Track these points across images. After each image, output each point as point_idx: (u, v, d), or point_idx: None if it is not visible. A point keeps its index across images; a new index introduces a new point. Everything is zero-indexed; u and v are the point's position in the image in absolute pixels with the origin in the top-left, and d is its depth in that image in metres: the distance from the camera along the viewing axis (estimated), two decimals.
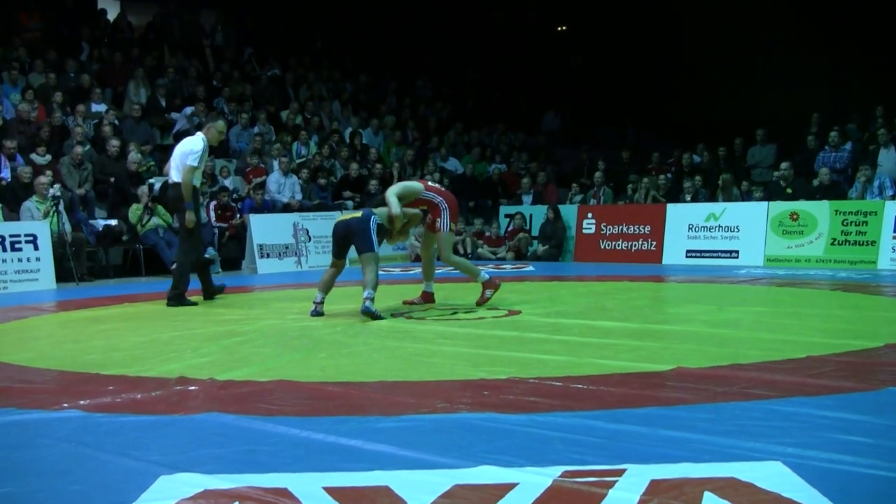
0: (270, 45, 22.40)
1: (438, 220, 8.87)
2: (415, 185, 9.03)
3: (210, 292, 10.50)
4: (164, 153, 17.12)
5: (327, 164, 17.92)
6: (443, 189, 9.25)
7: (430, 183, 9.22)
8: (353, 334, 7.18)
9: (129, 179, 14.61)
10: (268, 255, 14.65)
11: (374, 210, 8.61)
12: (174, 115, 17.80)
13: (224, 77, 20.10)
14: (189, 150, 9.86)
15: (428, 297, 9.28)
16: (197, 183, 10.03)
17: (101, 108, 16.81)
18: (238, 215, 15.48)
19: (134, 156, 14.83)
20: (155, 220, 14.14)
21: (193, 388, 5.10)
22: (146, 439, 4.02)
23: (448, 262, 9.04)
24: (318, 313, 8.49)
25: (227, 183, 16.17)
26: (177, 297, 10.00)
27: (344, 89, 22.03)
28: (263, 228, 14.81)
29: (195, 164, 9.82)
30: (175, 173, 9.99)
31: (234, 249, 15.44)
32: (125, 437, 4.06)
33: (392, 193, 8.68)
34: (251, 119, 18.40)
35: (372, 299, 8.13)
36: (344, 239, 8.50)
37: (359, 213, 8.54)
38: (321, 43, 23.94)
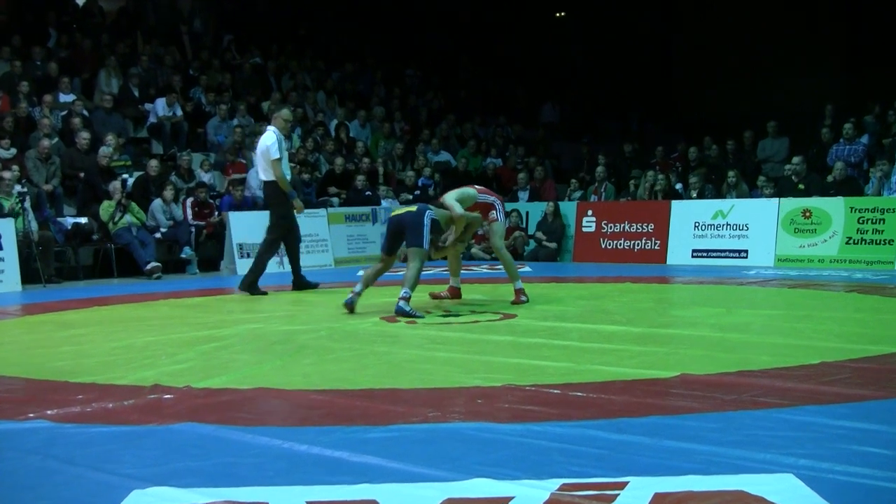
0: (251, 32, 22.37)
1: (493, 212, 9.38)
2: (469, 190, 9.42)
3: (300, 285, 11.38)
4: (136, 146, 17.14)
5: (311, 158, 17.91)
6: (491, 190, 9.78)
7: (477, 186, 9.64)
8: (339, 339, 7.18)
9: (100, 174, 14.57)
10: (248, 255, 14.58)
11: (431, 207, 8.96)
12: (148, 106, 17.77)
13: (202, 65, 20.08)
14: (265, 147, 11.00)
15: (455, 293, 9.78)
16: (287, 173, 11.14)
17: (70, 98, 16.77)
18: (216, 213, 15.45)
19: (105, 149, 14.79)
20: (128, 218, 14.10)
21: (169, 396, 5.09)
22: (119, 451, 4.01)
23: (499, 251, 9.48)
24: (351, 303, 8.70)
25: (206, 178, 16.16)
26: (251, 285, 11.08)
27: (329, 79, 22.02)
28: (243, 227, 14.78)
29: (277, 155, 10.89)
30: (262, 172, 11.21)
31: (213, 249, 15.41)
32: (96, 450, 4.05)
33: (452, 198, 9.08)
34: (231, 110, 18.38)
35: (408, 299, 8.39)
36: (397, 234, 8.84)
37: (413, 208, 8.91)
38: (305, 29, 23.92)
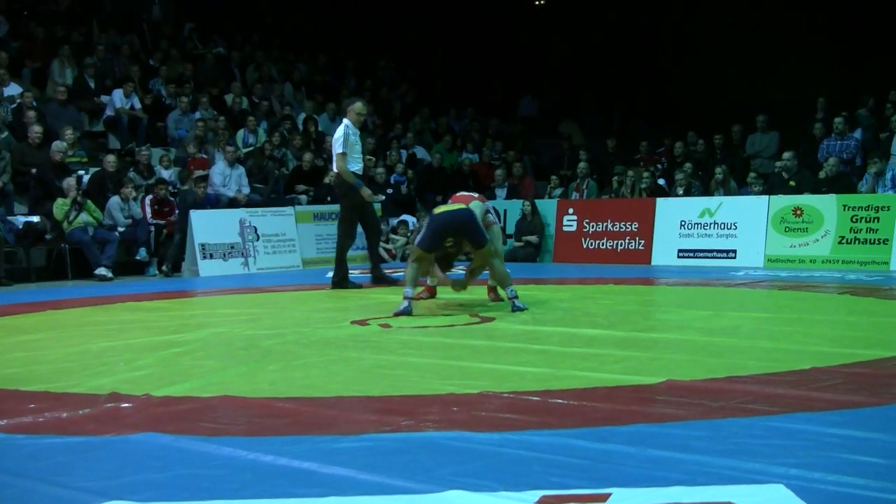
0: (214, 20, 22.29)
1: (489, 215, 9.42)
2: (480, 205, 9.33)
3: (379, 279, 12.02)
4: (92, 141, 17.03)
5: (278, 153, 17.87)
6: (477, 195, 9.74)
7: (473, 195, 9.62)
8: (307, 344, 7.16)
9: (53, 170, 14.47)
10: (211, 256, 14.57)
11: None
12: (104, 98, 17.67)
13: (162, 55, 19.98)
14: (333, 140, 11.88)
15: (432, 291, 10.02)
16: (355, 168, 11.58)
17: (16, 90, 16.58)
18: (177, 211, 15.39)
19: (59, 144, 14.69)
20: (83, 217, 14.02)
21: (127, 405, 5.07)
22: (73, 464, 3.99)
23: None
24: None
25: (166, 175, 16.08)
26: (340, 283, 11.67)
27: (296, 70, 21.97)
28: (206, 226, 14.72)
29: (339, 150, 11.45)
30: (333, 165, 11.96)
31: (173, 250, 15.34)
32: (49, 462, 4.02)
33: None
34: (192, 103, 18.31)
35: (517, 296, 8.70)
36: (447, 233, 8.69)
37: (460, 205, 8.94)
38: (271, 18, 23.85)
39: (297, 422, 4.64)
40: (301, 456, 3.93)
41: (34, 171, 14.68)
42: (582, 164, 17.83)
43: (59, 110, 16.48)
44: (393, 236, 16.90)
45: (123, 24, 20.67)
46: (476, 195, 9.58)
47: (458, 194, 9.62)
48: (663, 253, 14.93)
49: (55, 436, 4.45)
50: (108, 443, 4.31)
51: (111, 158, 15.35)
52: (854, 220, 13.34)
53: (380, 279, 11.98)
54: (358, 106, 11.86)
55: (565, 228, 16.14)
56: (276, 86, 20.77)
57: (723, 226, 14.47)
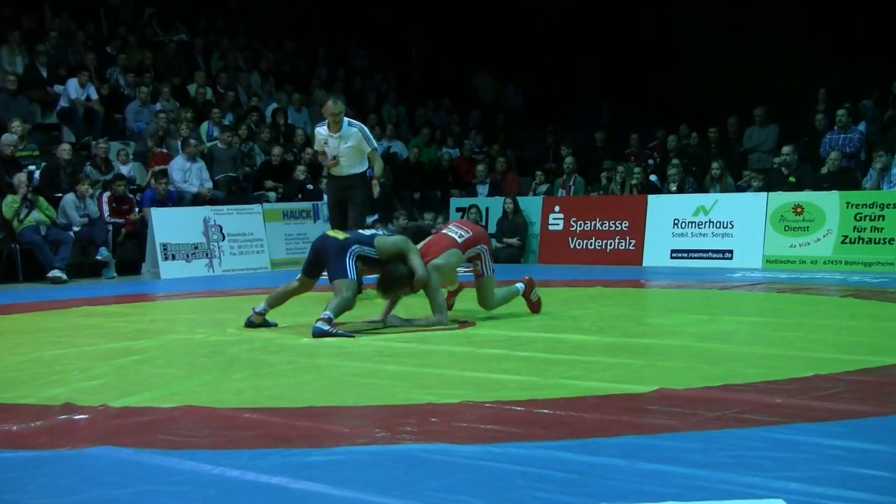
0: (176, 5, 22.21)
1: (479, 262, 8.64)
2: (453, 252, 8.45)
3: None
4: (45, 134, 16.93)
5: (245, 147, 17.82)
6: (472, 231, 8.83)
7: (456, 237, 8.58)
8: (276, 351, 7.15)
9: (2, 165, 14.40)
10: (173, 257, 14.53)
11: (377, 241, 8.24)
12: (58, 87, 17.58)
13: (120, 43, 19.89)
14: None
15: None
16: (341, 170, 11.00)
17: None
18: (137, 209, 15.33)
19: (9, 137, 14.61)
20: (35, 215, 13.95)
21: (82, 417, 5.04)
22: (24, 480, 3.97)
23: (493, 307, 8.78)
24: (250, 323, 8.32)
25: (125, 170, 16.01)
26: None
27: (264, 58, 21.92)
28: (167, 225, 14.68)
29: (315, 147, 11.60)
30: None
31: (133, 250, 15.30)
32: None
33: (433, 268, 8.27)
34: (153, 93, 18.24)
35: (328, 320, 7.75)
36: (316, 256, 8.28)
37: (344, 235, 8.33)
38: (237, 2, 23.79)
39: (265, 434, 4.63)
40: (270, 470, 3.92)
41: None
42: (567, 160, 17.82)
43: (8, 101, 16.37)
44: None
45: (78, 8, 20.54)
46: (458, 240, 8.57)
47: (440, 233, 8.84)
48: (655, 253, 14.95)
49: (5, 450, 4.43)
50: (62, 457, 4.29)
51: (66, 147, 15.24)
52: (858, 218, 13.38)
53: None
54: (328, 105, 11.00)
55: (551, 227, 16.14)
56: (243, 75, 20.70)
57: (718, 224, 14.50)
